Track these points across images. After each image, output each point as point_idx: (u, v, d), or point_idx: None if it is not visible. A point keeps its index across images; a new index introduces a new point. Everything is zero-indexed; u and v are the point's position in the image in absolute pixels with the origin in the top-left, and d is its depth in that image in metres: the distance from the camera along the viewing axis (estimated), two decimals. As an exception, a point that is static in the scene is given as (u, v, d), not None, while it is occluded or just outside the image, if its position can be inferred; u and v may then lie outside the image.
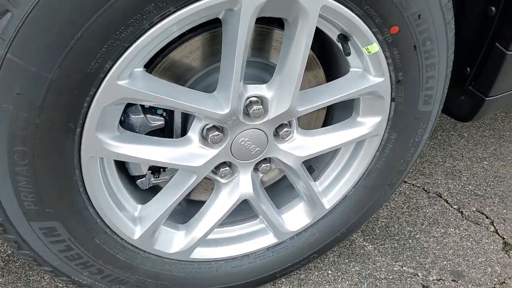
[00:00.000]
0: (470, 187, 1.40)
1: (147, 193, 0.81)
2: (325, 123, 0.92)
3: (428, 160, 1.50)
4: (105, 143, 0.63)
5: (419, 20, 0.68)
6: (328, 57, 0.80)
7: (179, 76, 0.72)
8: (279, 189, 0.96)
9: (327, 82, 0.83)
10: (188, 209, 0.90)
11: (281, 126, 0.77)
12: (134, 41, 0.55)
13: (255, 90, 0.71)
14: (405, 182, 1.39)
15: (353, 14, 0.65)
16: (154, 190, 0.81)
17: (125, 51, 0.55)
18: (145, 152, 0.68)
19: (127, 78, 0.59)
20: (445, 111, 1.02)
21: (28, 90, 0.52)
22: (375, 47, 0.70)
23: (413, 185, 1.39)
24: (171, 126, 0.75)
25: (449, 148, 1.59)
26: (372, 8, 0.64)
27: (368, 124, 0.82)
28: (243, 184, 0.81)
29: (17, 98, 0.52)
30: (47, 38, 0.49)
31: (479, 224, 1.25)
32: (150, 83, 0.62)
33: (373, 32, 0.68)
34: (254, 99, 0.71)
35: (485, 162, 1.52)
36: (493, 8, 0.80)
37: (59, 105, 0.55)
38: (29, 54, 0.49)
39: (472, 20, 0.84)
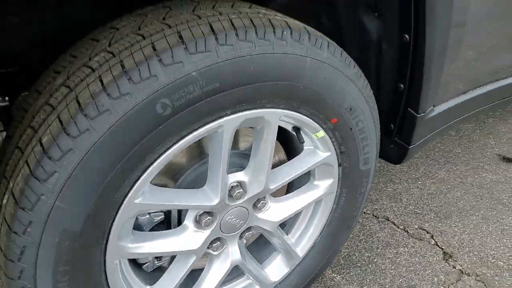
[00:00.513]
0: (410, 207, 1.66)
1: (152, 274, 0.95)
2: (288, 190, 1.12)
3: (373, 187, 1.75)
4: (124, 247, 0.77)
5: (351, 111, 0.90)
6: (286, 140, 1.00)
7: (173, 175, 0.88)
8: (258, 246, 1.14)
9: (287, 157, 1.02)
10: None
11: (258, 200, 0.95)
12: (148, 167, 0.71)
13: (236, 177, 0.89)
14: (357, 212, 1.62)
15: (303, 116, 0.85)
16: (159, 270, 0.95)
17: (140, 176, 0.71)
18: (155, 246, 0.83)
19: (141, 196, 0.74)
20: (382, 157, 1.26)
21: (71, 225, 0.66)
22: (321, 133, 0.91)
23: (364, 213, 1.62)
24: (168, 219, 0.90)
25: (388, 173, 1.85)
26: (317, 110, 0.85)
27: (323, 186, 1.02)
28: (232, 253, 0.98)
29: (62, 233, 0.66)
30: (86, 186, 0.64)
31: (422, 240, 1.50)
32: (156, 193, 0.78)
33: (319, 124, 0.89)
34: (235, 184, 0.89)
35: (419, 182, 1.79)
36: (402, 85, 1.04)
37: (92, 229, 0.69)
38: (72, 199, 0.64)
39: (389, 94, 1.08)
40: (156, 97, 0.64)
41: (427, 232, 1.53)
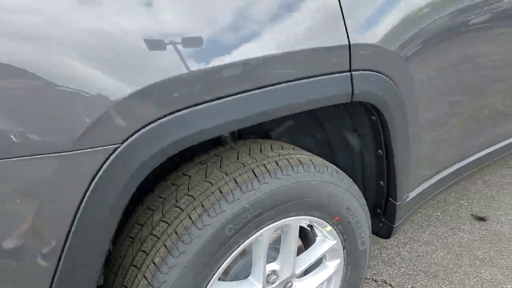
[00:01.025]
0: (403, 269, 1.97)
1: None
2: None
3: (370, 255, 2.06)
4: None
5: (348, 210, 1.25)
6: (303, 233, 1.34)
7: (225, 270, 1.20)
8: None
9: (304, 246, 1.36)
10: None
11: (287, 282, 1.27)
12: (218, 269, 1.03)
13: (270, 267, 1.21)
14: (360, 278, 1.93)
15: (314, 217, 1.20)
16: None
17: (212, 277, 1.03)
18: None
19: (211, 290, 1.06)
20: (374, 233, 1.60)
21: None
22: (328, 228, 1.25)
23: (365, 278, 1.93)
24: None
25: (381, 241, 2.17)
26: (324, 213, 1.20)
27: (333, 265, 1.35)
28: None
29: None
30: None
31: (416, 298, 1.80)
32: (222, 286, 1.09)
33: (326, 221, 1.23)
34: (270, 272, 1.21)
35: (407, 246, 2.12)
36: (382, 182, 1.42)
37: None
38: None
39: (374, 189, 1.45)
40: (225, 224, 0.99)
41: (420, 291, 1.84)
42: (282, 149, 1.18)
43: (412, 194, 1.53)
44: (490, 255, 2.02)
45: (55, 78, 0.70)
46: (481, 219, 2.30)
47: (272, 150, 1.17)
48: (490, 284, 1.85)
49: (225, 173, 1.05)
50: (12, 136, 0.69)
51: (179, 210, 1.00)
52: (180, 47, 0.79)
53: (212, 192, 1.00)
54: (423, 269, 1.95)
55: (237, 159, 1.11)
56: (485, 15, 1.44)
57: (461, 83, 1.47)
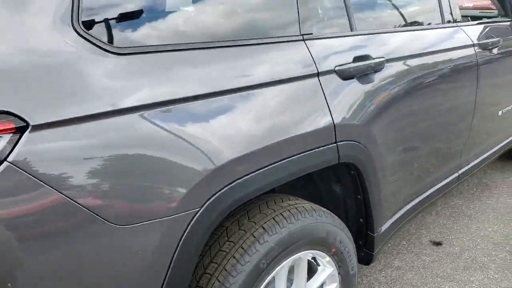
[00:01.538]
0: (381, 292, 2.36)
1: None
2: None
3: (353, 282, 2.44)
4: None
5: (340, 243, 1.65)
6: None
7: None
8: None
9: (308, 274, 1.72)
10: None
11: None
12: None
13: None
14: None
15: (317, 251, 1.58)
16: None
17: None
18: None
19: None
20: (358, 261, 2.00)
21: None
22: (327, 258, 1.64)
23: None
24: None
25: (361, 268, 2.57)
26: (324, 247, 1.59)
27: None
28: None
29: None
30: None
31: (395, 313, 2.18)
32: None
33: (325, 253, 1.62)
34: (286, 298, 1.57)
35: (383, 272, 2.52)
36: (361, 219, 1.84)
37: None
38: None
39: (355, 224, 1.87)
40: (259, 261, 1.35)
41: (397, 307, 2.23)
42: (289, 200, 1.58)
43: (384, 227, 1.96)
44: (447, 272, 2.47)
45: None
46: (438, 243, 2.77)
47: (282, 201, 1.56)
48: (451, 296, 2.27)
49: (254, 222, 1.43)
50: (129, 207, 1.04)
51: (224, 253, 1.35)
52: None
53: (247, 237, 1.37)
54: (398, 289, 2.36)
55: (259, 211, 1.49)
56: (424, 88, 1.97)
57: (410, 136, 1.97)
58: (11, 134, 0.87)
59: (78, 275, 0.99)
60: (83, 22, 1.01)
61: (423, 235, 2.87)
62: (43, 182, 0.89)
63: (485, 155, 2.78)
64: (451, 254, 2.64)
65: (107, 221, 0.98)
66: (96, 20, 1.05)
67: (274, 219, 1.43)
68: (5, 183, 0.86)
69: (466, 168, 2.58)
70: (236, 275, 1.30)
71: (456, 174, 2.49)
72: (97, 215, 0.97)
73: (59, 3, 0.98)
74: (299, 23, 1.47)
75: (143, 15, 1.13)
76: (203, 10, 1.34)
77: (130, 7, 1.12)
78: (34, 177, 0.88)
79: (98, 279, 1.03)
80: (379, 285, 2.40)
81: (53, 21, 0.97)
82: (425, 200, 2.23)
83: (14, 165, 0.86)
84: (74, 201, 0.94)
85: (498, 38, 2.57)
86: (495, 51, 2.54)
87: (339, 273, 1.71)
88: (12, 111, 0.87)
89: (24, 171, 0.87)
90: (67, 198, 0.93)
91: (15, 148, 0.87)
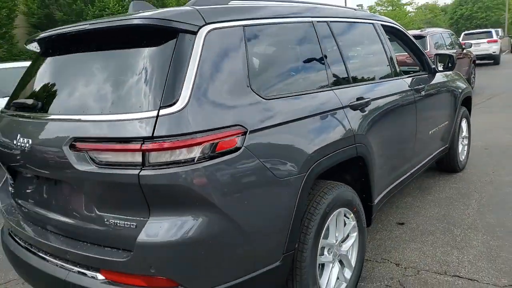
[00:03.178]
0: (372, 251, 3.51)
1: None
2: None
3: (352, 250, 3.56)
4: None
5: (358, 205, 2.81)
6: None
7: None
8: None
9: (340, 228, 2.84)
10: None
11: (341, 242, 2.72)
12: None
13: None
14: None
15: (348, 209, 2.72)
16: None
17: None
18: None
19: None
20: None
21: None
22: (351, 214, 2.78)
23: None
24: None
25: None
26: (349, 209, 2.74)
27: (354, 235, 2.84)
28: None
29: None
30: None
31: None
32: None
33: (350, 211, 2.76)
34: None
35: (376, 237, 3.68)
36: (364, 195, 3.02)
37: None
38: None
39: (362, 200, 3.05)
40: (326, 207, 2.47)
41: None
42: (331, 181, 2.71)
43: (377, 200, 3.16)
44: (410, 236, 3.70)
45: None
46: (401, 223, 4.01)
47: (327, 182, 2.69)
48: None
49: (322, 190, 2.54)
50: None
51: (309, 201, 2.45)
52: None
53: (320, 195, 2.48)
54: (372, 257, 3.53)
55: (322, 186, 2.61)
56: (390, 114, 3.27)
57: (388, 142, 3.26)
58: (241, 134, 1.97)
59: (259, 211, 2.09)
60: (250, 85, 2.16)
61: (391, 220, 4.12)
62: (257, 158, 1.99)
63: (424, 161, 4.18)
64: (411, 229, 3.89)
65: (276, 176, 2.10)
66: (257, 84, 2.20)
67: (327, 188, 2.56)
68: (242, 158, 1.95)
69: (418, 166, 3.96)
70: (316, 215, 2.40)
71: (414, 169, 3.85)
72: (276, 175, 2.10)
73: (244, 75, 2.12)
74: (329, 80, 2.72)
75: (274, 80, 2.32)
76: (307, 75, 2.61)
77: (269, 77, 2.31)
78: (254, 155, 1.98)
79: (268, 214, 2.12)
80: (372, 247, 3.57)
81: (243, 85, 2.10)
82: (398, 184, 3.53)
83: (246, 148, 1.96)
84: (266, 167, 2.05)
85: (424, 85, 4.03)
86: (423, 93, 3.98)
87: (358, 226, 2.85)
88: (240, 123, 1.98)
89: (249, 151, 1.97)
90: (264, 165, 2.04)
91: (244, 142, 1.97)
